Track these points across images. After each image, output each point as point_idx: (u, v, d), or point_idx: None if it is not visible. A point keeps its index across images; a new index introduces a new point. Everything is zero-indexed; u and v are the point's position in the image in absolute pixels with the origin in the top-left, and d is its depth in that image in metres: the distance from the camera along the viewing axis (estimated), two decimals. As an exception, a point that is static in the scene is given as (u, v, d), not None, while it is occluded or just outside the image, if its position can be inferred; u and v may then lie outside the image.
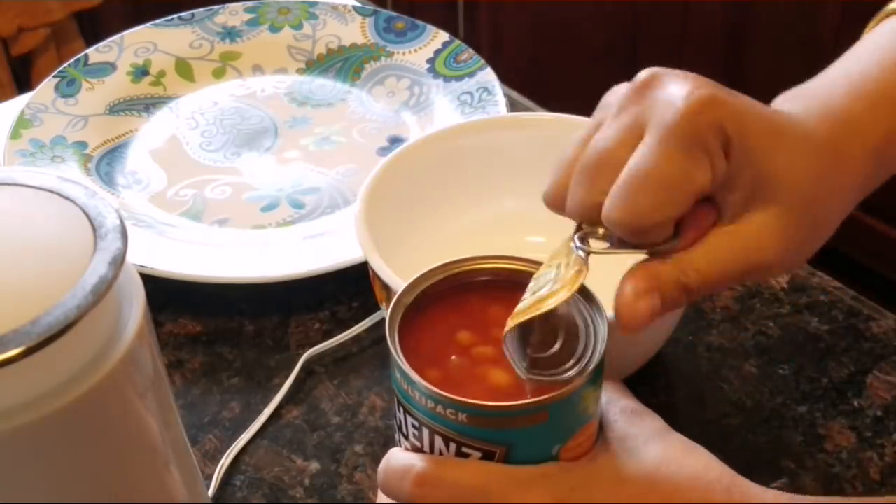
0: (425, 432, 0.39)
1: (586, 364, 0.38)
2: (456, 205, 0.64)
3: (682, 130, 0.39)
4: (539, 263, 0.41)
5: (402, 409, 0.40)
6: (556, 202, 0.42)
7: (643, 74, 0.42)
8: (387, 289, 0.53)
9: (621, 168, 0.39)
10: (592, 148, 0.41)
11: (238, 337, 0.64)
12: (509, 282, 0.41)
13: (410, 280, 0.41)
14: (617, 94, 0.42)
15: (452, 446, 0.38)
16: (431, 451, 0.39)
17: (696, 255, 0.40)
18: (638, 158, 0.39)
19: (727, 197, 0.41)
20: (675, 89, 0.40)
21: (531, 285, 0.40)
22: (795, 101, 0.44)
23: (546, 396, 0.37)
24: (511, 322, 0.39)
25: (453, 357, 0.40)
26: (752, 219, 0.40)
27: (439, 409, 0.37)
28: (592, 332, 0.39)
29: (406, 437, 0.40)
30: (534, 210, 0.64)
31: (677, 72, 0.42)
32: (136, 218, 0.71)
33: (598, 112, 0.43)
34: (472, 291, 0.42)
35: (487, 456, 0.38)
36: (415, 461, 0.39)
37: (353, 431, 0.57)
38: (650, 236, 0.40)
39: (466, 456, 0.38)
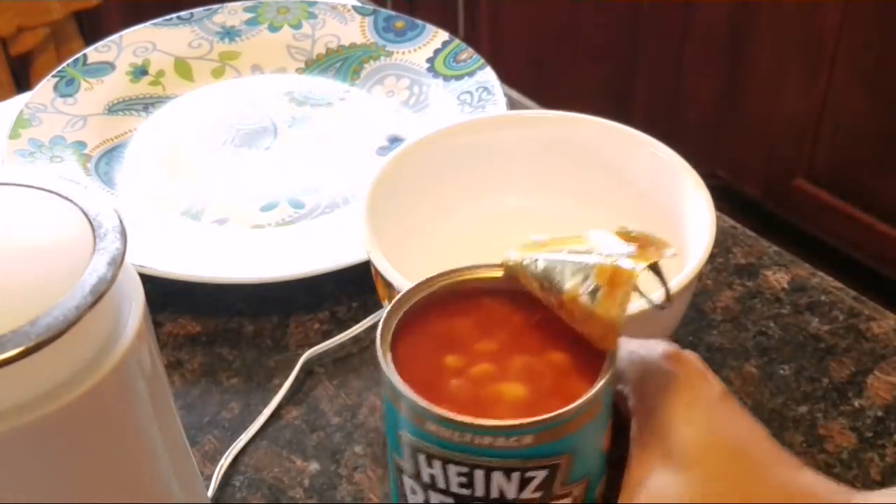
0: (479, 475, 0.36)
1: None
2: (458, 203, 0.64)
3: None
4: (466, 269, 0.41)
5: (437, 463, 0.36)
6: None
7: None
8: (389, 287, 0.53)
9: None
10: None
11: (237, 337, 0.63)
12: (456, 294, 0.40)
13: (381, 324, 0.39)
14: None
15: (516, 476, 0.36)
16: (488, 492, 0.36)
17: None
18: None
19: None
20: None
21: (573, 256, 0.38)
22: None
23: (602, 382, 0.36)
24: (643, 263, 0.37)
25: (453, 384, 0.38)
26: None
27: (500, 441, 0.35)
28: None
29: (445, 491, 0.37)
30: (536, 208, 0.65)
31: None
32: (135, 218, 0.70)
33: None
34: (430, 314, 0.40)
35: (552, 471, 0.36)
36: None
37: (353, 432, 0.57)
38: None
39: (531, 480, 0.36)
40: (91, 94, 0.81)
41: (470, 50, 0.83)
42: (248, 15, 0.89)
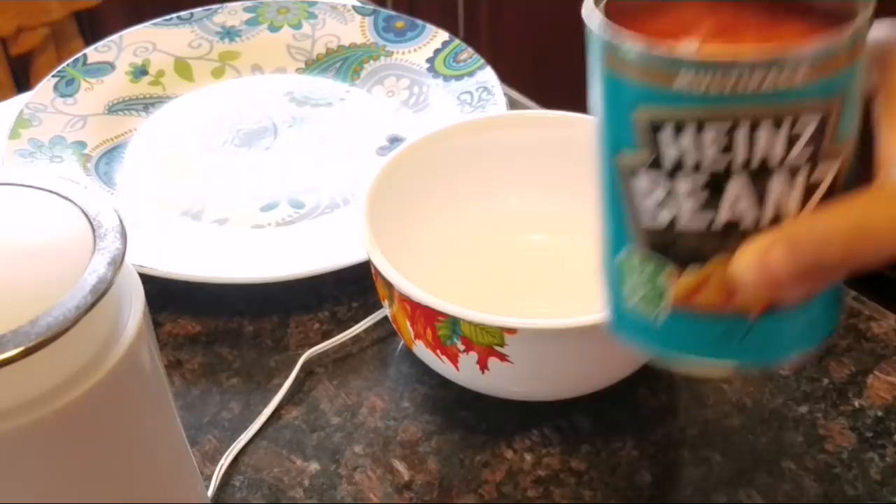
0: (742, 132, 0.31)
1: None
2: (457, 203, 0.64)
3: None
4: None
5: (689, 131, 0.31)
6: None
7: None
8: (389, 287, 0.53)
9: None
10: None
11: (238, 337, 0.63)
12: None
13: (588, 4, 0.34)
14: None
15: (785, 127, 0.31)
16: (751, 157, 0.31)
17: None
18: None
19: None
20: None
21: None
22: None
23: (870, 9, 0.31)
24: None
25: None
26: None
27: (772, 76, 0.30)
28: None
29: (697, 168, 0.32)
30: (536, 208, 0.65)
31: None
32: (135, 218, 0.70)
33: None
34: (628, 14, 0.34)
35: (824, 119, 0.32)
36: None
37: (353, 432, 0.57)
38: None
39: (798, 137, 0.31)
40: (91, 94, 0.81)
41: (470, 50, 0.83)
42: (248, 15, 0.89)
